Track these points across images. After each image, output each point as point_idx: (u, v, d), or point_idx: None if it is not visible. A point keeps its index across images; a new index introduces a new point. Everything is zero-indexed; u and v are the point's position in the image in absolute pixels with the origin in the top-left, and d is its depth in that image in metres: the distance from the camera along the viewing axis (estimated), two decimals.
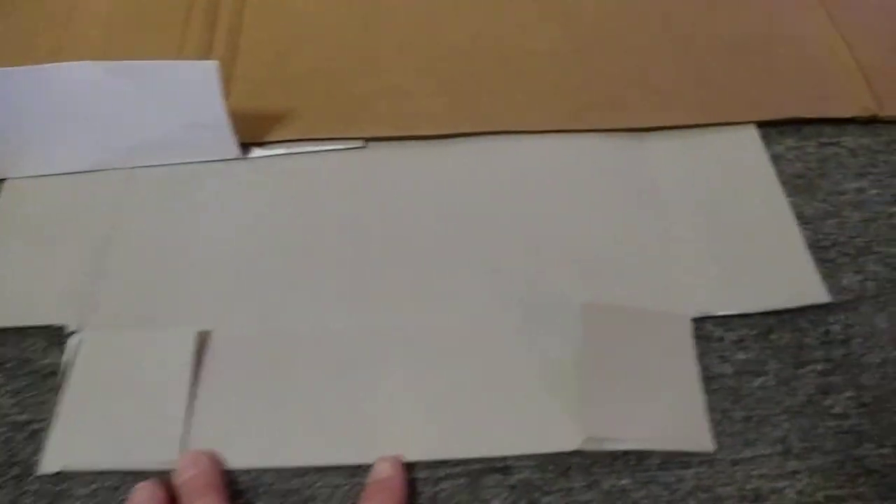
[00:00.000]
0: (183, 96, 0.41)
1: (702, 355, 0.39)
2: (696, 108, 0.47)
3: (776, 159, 0.46)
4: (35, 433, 0.37)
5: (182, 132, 0.43)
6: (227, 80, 0.48)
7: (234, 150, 0.44)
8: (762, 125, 0.47)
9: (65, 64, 0.39)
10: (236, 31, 0.50)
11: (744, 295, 0.40)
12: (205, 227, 0.43)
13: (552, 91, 0.48)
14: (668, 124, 0.47)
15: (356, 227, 0.43)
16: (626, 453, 0.36)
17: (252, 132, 0.45)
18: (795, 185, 0.45)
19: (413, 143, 0.46)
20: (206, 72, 0.40)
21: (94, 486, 0.35)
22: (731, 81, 0.49)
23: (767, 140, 0.47)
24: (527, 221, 0.43)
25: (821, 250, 0.43)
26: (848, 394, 0.38)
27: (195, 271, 0.41)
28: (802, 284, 0.41)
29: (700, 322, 0.40)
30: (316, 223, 0.43)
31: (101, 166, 0.44)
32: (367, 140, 0.46)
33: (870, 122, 0.48)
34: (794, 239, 0.42)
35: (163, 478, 0.35)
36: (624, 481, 0.35)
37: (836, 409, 0.37)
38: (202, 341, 0.38)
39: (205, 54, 0.49)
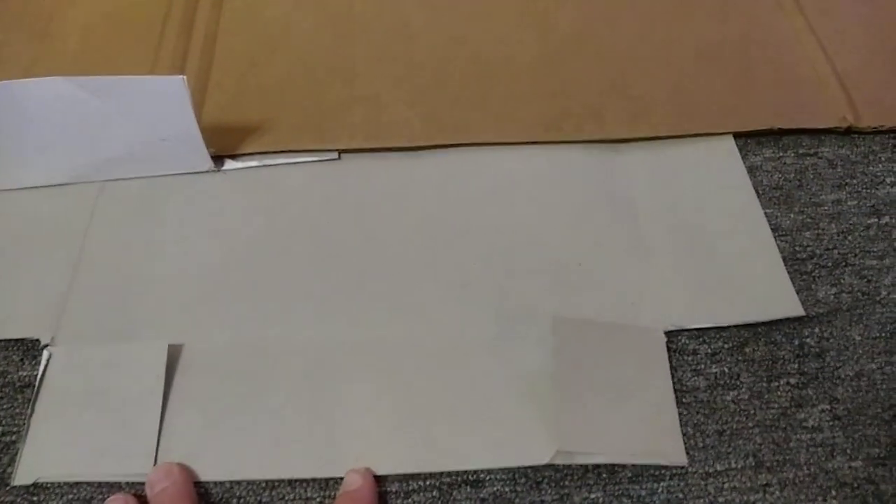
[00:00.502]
0: (153, 110, 0.41)
1: (675, 368, 0.39)
2: (672, 118, 0.47)
3: (753, 170, 0.46)
4: (9, 445, 0.37)
5: (154, 146, 0.42)
6: (202, 90, 0.48)
7: (207, 163, 0.44)
8: (739, 136, 0.47)
9: (36, 80, 0.39)
10: (212, 39, 0.51)
11: (718, 308, 0.40)
12: (177, 241, 0.43)
13: (528, 100, 0.48)
14: (644, 135, 0.47)
15: (328, 240, 0.43)
16: (597, 467, 0.36)
17: (225, 144, 0.45)
18: (772, 196, 0.45)
19: (387, 154, 0.46)
20: (174, 86, 0.40)
21: (67, 498, 0.35)
22: (708, 91, 0.49)
23: (745, 151, 0.47)
24: (500, 234, 0.43)
25: (797, 262, 0.42)
26: (821, 407, 0.38)
27: (167, 284, 0.41)
28: (777, 297, 0.41)
29: (674, 335, 0.40)
30: (288, 236, 0.43)
31: (74, 180, 0.44)
32: (341, 152, 0.46)
33: (848, 133, 0.48)
34: (769, 251, 0.42)
35: (135, 489, 0.35)
36: (595, 494, 0.35)
37: (810, 423, 0.37)
38: (174, 354, 0.38)
39: (180, 64, 0.49)
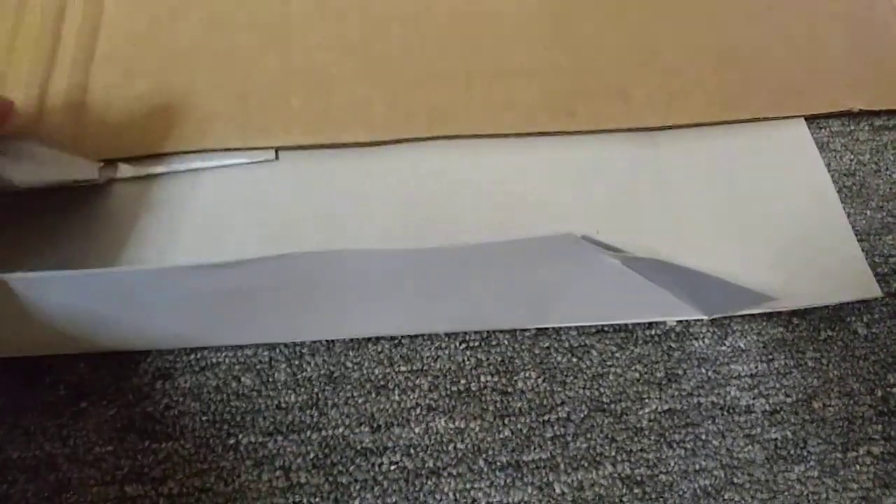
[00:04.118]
0: None
1: (723, 434, 0.29)
2: (721, 98, 0.36)
3: (819, 150, 0.36)
4: None
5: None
6: (84, 64, 0.35)
7: (90, 170, 0.32)
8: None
9: None
10: None
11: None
12: None
13: (528, 75, 0.36)
14: (684, 123, 0.35)
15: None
16: None
17: (117, 143, 0.33)
18: (843, 185, 0.35)
19: (340, 152, 0.34)
20: None
21: None
22: (766, 61, 0.37)
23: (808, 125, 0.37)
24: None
25: (878, 279, 0.32)
26: None
27: None
28: (849, 277, 0.32)
29: (722, 386, 0.30)
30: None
31: None
32: (279, 150, 0.34)
33: None
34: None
35: None
36: None
37: None
38: None
39: (54, 27, 0.36)
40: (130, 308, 0.28)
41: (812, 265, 0.32)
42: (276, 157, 0.34)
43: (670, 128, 0.35)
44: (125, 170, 0.32)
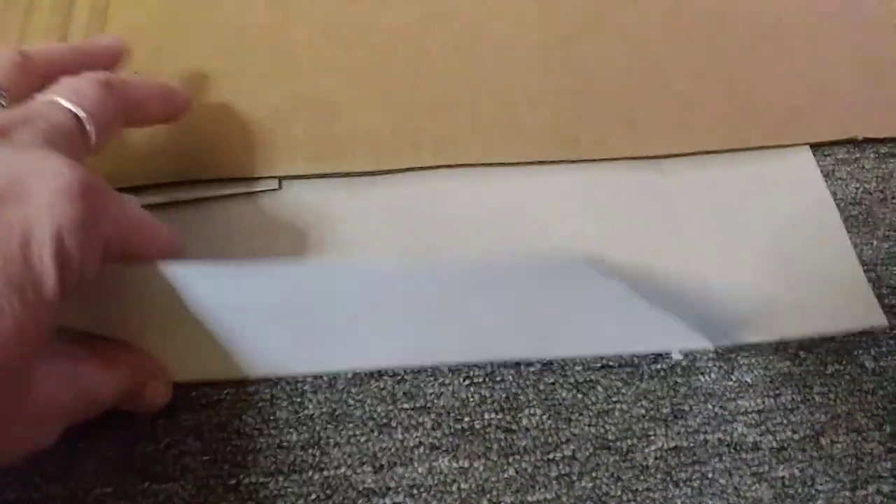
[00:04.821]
0: None
1: (731, 472, 0.29)
2: (728, 123, 0.36)
3: (824, 178, 0.35)
4: None
5: None
6: None
7: None
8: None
9: None
10: (101, 13, 0.37)
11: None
12: None
13: (532, 105, 0.36)
14: (691, 150, 0.35)
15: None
16: None
17: (117, 173, 0.32)
18: (850, 214, 0.35)
19: (345, 181, 0.34)
20: None
21: None
22: (770, 85, 0.37)
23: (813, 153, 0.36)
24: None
25: (885, 310, 0.32)
26: None
27: None
28: (855, 308, 0.32)
29: (729, 422, 0.30)
30: None
31: None
32: (282, 179, 0.34)
33: None
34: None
35: None
36: None
37: None
38: None
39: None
40: None
41: (817, 295, 0.32)
42: (280, 187, 0.33)
43: (676, 156, 0.35)
44: (125, 199, 0.32)
